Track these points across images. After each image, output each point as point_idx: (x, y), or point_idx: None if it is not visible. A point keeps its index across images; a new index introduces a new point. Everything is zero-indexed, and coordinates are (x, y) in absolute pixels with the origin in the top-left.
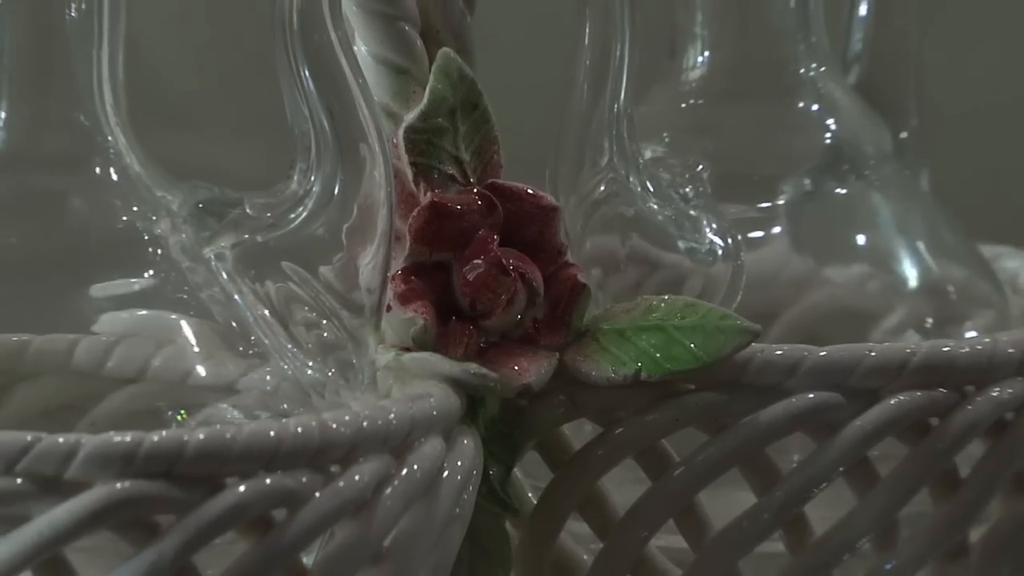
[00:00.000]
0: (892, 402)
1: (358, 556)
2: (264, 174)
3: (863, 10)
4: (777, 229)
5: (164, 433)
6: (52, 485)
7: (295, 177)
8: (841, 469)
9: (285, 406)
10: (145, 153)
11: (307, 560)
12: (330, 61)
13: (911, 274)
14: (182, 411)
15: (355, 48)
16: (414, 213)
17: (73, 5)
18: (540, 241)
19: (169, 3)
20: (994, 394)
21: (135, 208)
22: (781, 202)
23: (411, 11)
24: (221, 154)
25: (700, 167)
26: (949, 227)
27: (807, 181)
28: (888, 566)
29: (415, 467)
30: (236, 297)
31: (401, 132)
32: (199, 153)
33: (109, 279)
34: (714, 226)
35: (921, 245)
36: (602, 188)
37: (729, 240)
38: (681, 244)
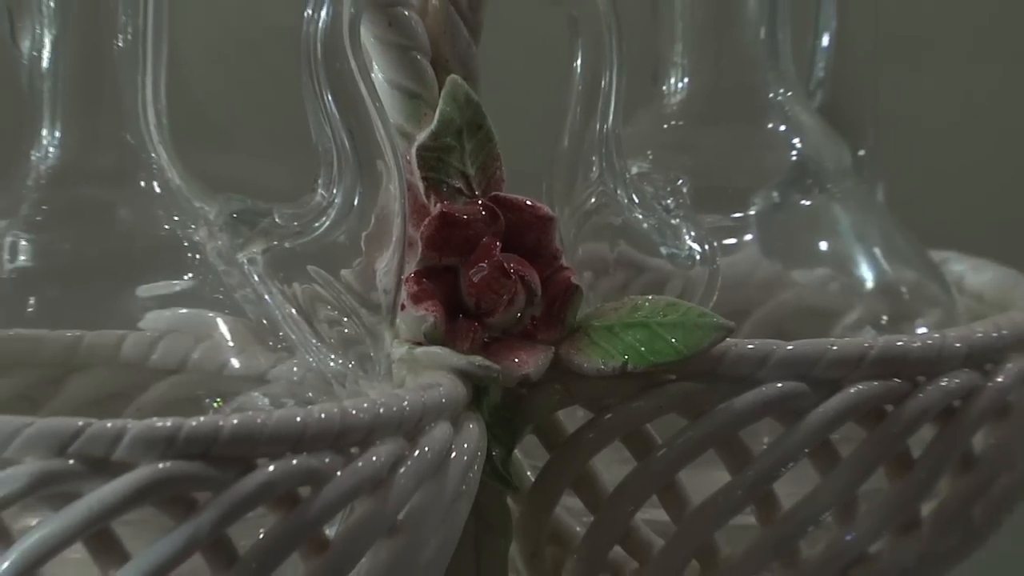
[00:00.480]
0: (851, 391)
1: (375, 529)
2: (291, 187)
3: (825, 41)
4: (749, 236)
5: (201, 419)
6: (101, 465)
7: (319, 190)
8: (806, 451)
9: (310, 394)
10: (184, 168)
11: (329, 532)
12: (350, 86)
13: (868, 276)
14: (218, 399)
15: (373, 75)
16: (425, 222)
17: (120, 36)
18: (538, 247)
19: (208, 36)
20: (943, 384)
21: (176, 218)
22: (752, 212)
23: (423, 42)
24: (253, 170)
25: (680, 181)
26: (902, 235)
27: (775, 194)
28: (848, 537)
29: (426, 449)
30: (266, 297)
31: (414, 150)
32: (234, 169)
33: (153, 281)
34: (692, 234)
35: (877, 251)
36: (593, 200)
37: (706, 246)
38: (663, 250)
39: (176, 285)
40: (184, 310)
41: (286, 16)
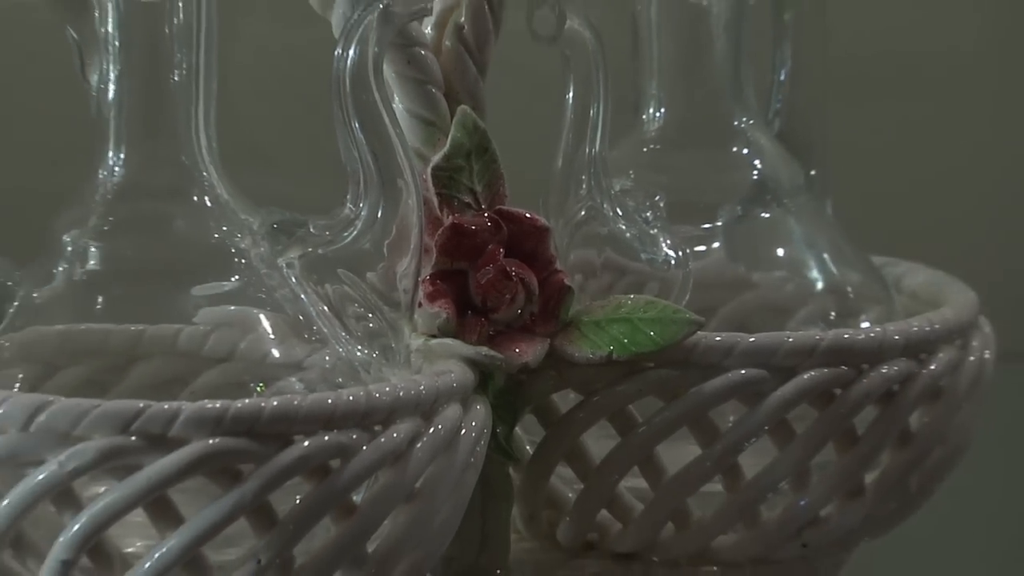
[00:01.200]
0: (805, 377)
1: (396, 496)
2: (324, 202)
3: (782, 77)
4: (716, 244)
5: (246, 401)
6: (159, 441)
7: (348, 204)
8: (766, 428)
9: (340, 380)
10: (232, 185)
11: (356, 499)
12: (375, 115)
13: (819, 278)
14: (261, 383)
15: (394, 105)
16: (439, 232)
17: (176, 72)
18: (536, 253)
19: (254, 72)
20: (883, 371)
21: (224, 228)
22: (719, 224)
23: (437, 77)
24: (291, 187)
25: (657, 197)
26: (847, 243)
27: (739, 208)
28: (802, 503)
29: (440, 427)
30: (302, 296)
31: (429, 170)
32: (274, 186)
33: (205, 282)
34: (668, 242)
35: (826, 256)
36: (583, 213)
37: (679, 253)
38: (643, 256)
39: (225, 286)
40: (232, 307)
41: (321, 55)
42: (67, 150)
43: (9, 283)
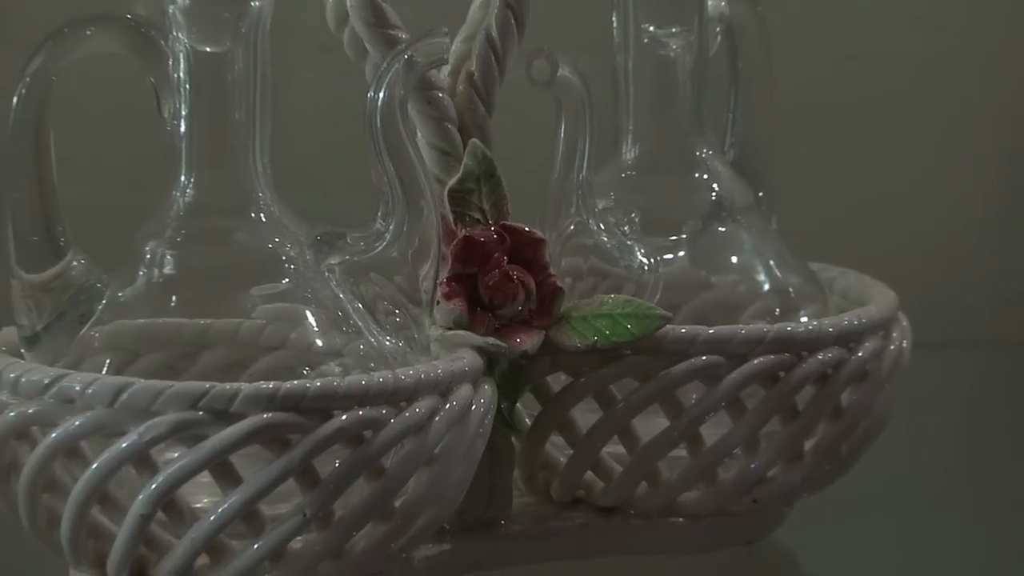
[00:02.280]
0: (755, 362)
1: (418, 460)
2: (359, 218)
3: (736, 114)
4: (681, 253)
5: (294, 382)
6: (222, 416)
7: (379, 220)
8: (723, 404)
9: (372, 365)
10: (283, 203)
11: (385, 463)
12: (401, 147)
13: (766, 280)
14: (307, 368)
15: (417, 138)
16: (454, 243)
17: (237, 110)
18: (533, 260)
19: (304, 111)
20: (819, 357)
21: (277, 239)
22: (684, 236)
23: (452, 115)
24: (332, 205)
25: (633, 214)
26: (789, 251)
27: (700, 223)
28: (753, 466)
29: (455, 403)
30: (341, 295)
31: (446, 192)
32: (318, 204)
33: (261, 284)
34: (642, 251)
35: (772, 262)
36: (572, 227)
37: (651, 260)
38: (622, 263)
39: (278, 287)
40: (283, 304)
41: (357, 97)
42: (148, 174)
43: (99, 285)
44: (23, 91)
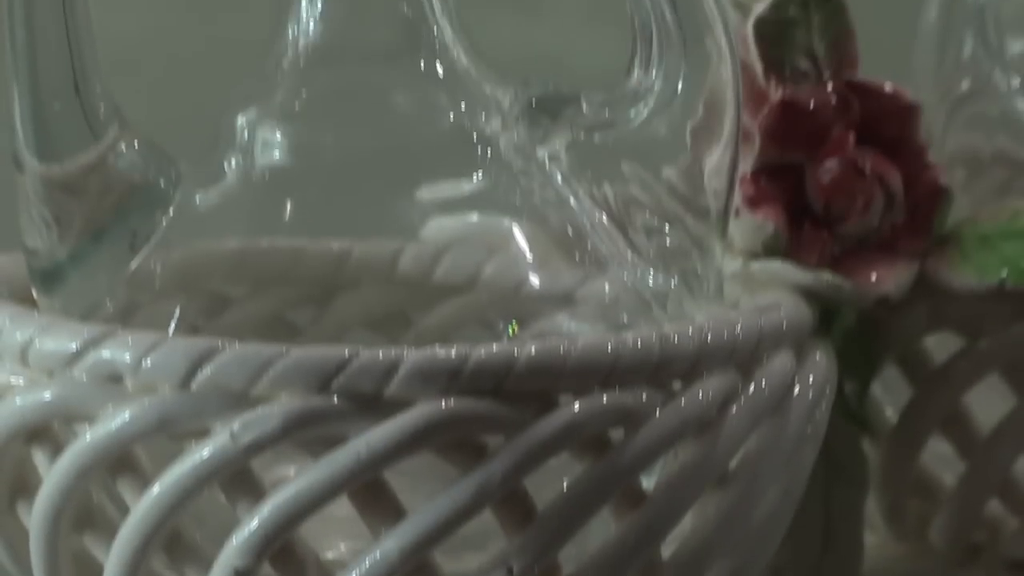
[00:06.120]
0: None
1: (702, 478)
2: (602, 68)
3: None
4: None
5: (493, 346)
6: (370, 403)
7: (635, 72)
8: None
9: (624, 318)
10: (473, 45)
11: (646, 483)
12: None
13: None
14: (513, 322)
15: None
16: (764, 111)
17: None
18: (899, 141)
19: None
20: None
21: (463, 105)
22: None
23: None
24: (558, 45)
25: None
26: None
27: None
28: None
29: (763, 383)
30: (571, 201)
31: (750, 24)
32: (534, 43)
33: (436, 181)
34: None
35: None
36: (965, 84)
37: None
38: None
39: (463, 186)
40: (473, 217)
41: None
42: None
43: (162, 182)
44: None
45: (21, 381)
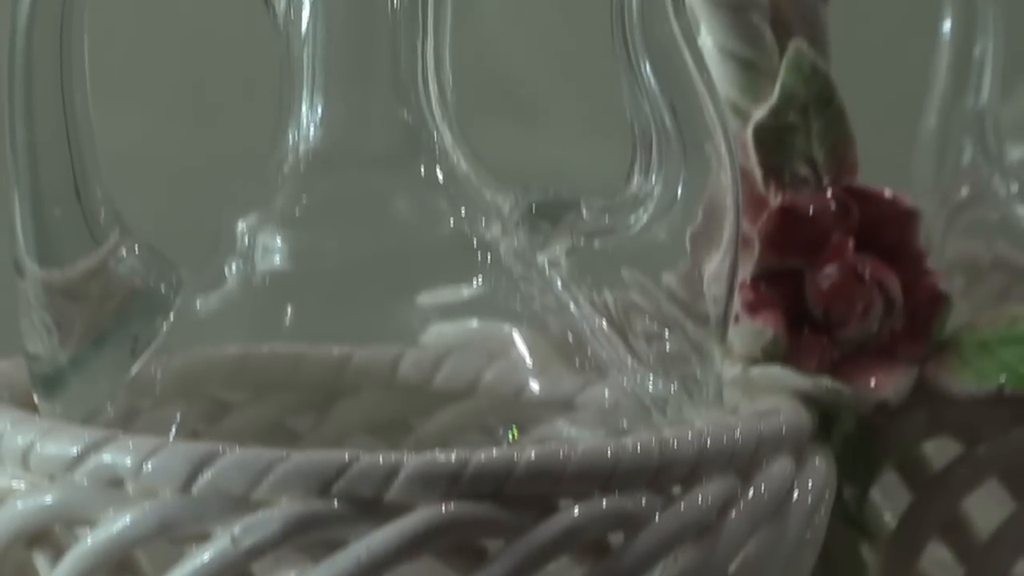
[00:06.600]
0: None
1: None
2: (602, 174)
3: None
4: None
5: (493, 451)
6: (371, 507)
7: (635, 178)
8: None
9: (625, 423)
10: (473, 151)
11: None
12: (672, 54)
13: None
14: (514, 428)
15: (699, 40)
16: (764, 217)
17: None
18: (898, 247)
19: None
20: None
21: (463, 210)
22: None
23: (760, 0)
24: (557, 153)
25: None
26: None
27: None
28: None
29: (762, 487)
30: (571, 306)
31: (750, 130)
32: (534, 151)
33: (436, 287)
34: None
35: None
36: (964, 191)
37: None
38: None
39: (464, 292)
40: (474, 322)
41: None
42: (236, 113)
43: (163, 287)
44: None
45: (22, 485)
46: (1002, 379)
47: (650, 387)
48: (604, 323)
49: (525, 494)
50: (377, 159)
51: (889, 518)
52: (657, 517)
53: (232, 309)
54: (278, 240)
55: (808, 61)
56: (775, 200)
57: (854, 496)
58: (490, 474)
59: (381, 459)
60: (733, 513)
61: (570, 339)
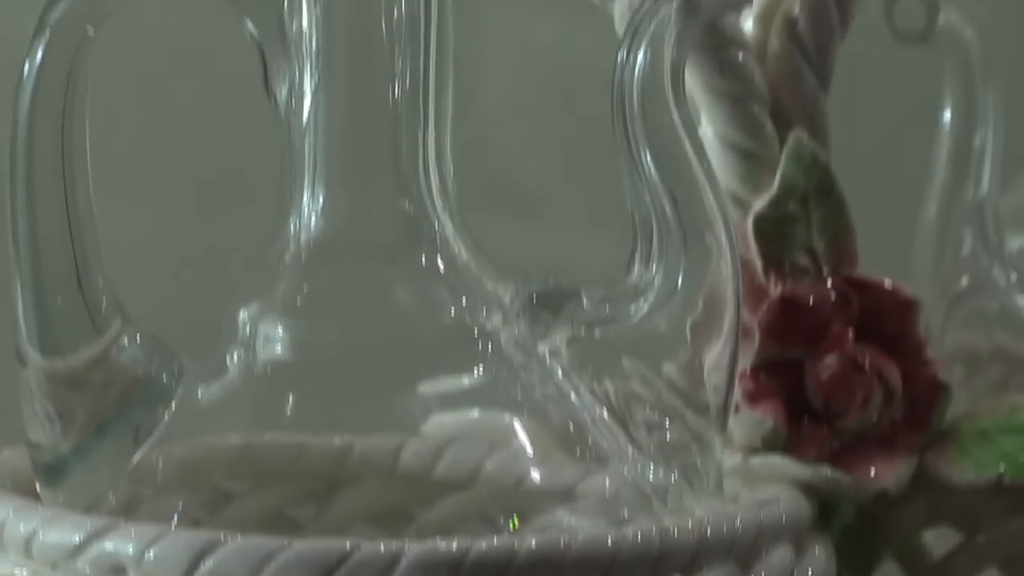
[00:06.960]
0: None
1: None
2: (603, 264)
3: None
4: None
5: (494, 539)
6: None
7: (635, 267)
8: None
9: (625, 513)
10: (474, 242)
11: None
12: (673, 144)
13: None
14: (515, 517)
15: (700, 130)
16: (763, 307)
17: (396, 83)
18: (898, 337)
19: (507, 84)
20: None
21: (464, 300)
22: None
23: (760, 91)
24: (557, 243)
25: None
26: None
27: None
28: None
29: None
30: (572, 396)
31: (750, 221)
32: (535, 242)
33: (437, 376)
34: None
35: None
36: (964, 281)
37: None
38: None
39: (465, 382)
40: (474, 412)
41: (598, 60)
42: (238, 199)
43: (164, 376)
44: (41, 51)
45: (25, 573)
46: (1001, 468)
47: (651, 476)
48: (605, 412)
49: None
50: (378, 249)
51: None
52: None
53: (234, 398)
54: (279, 329)
55: (808, 151)
56: (775, 290)
57: None
58: (491, 563)
59: (382, 547)
60: None
61: (571, 428)
